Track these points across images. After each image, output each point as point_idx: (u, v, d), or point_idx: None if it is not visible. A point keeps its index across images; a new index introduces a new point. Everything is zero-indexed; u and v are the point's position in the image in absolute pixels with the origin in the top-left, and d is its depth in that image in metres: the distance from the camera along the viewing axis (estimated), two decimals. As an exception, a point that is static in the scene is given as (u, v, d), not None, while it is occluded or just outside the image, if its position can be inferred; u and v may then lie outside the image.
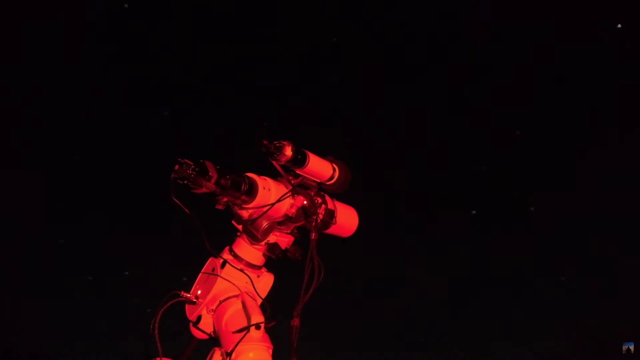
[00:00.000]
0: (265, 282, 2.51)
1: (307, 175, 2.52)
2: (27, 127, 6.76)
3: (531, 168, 7.02)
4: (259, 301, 2.44)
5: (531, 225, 6.99)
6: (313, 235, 2.45)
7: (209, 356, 2.35)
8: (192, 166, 2.23)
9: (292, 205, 2.45)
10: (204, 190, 2.27)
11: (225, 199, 2.36)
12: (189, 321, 2.46)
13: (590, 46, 6.76)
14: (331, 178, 2.59)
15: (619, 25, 6.73)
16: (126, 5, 6.73)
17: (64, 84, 6.66)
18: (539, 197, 6.99)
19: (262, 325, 2.29)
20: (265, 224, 2.39)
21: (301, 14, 6.82)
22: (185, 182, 2.24)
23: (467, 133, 7.06)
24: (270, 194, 2.39)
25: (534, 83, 7.05)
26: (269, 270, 2.53)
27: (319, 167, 2.54)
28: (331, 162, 2.60)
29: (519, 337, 6.74)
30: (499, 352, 6.82)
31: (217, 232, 2.50)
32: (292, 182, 2.48)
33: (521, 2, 6.83)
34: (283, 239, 2.51)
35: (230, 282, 2.43)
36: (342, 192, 2.64)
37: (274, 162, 2.43)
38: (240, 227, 2.47)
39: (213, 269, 2.47)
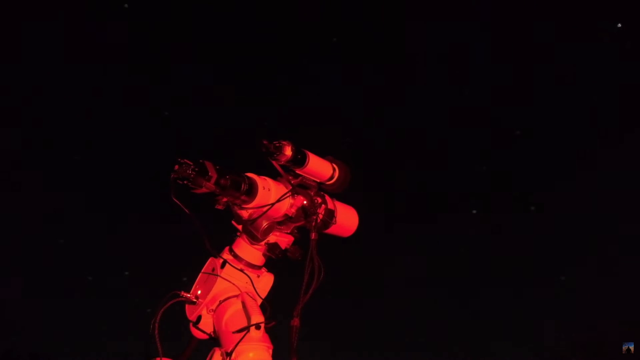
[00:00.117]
0: (265, 282, 2.50)
1: (307, 175, 2.52)
2: (27, 127, 6.76)
3: (531, 168, 7.02)
4: (259, 301, 2.44)
5: (531, 225, 7.00)
6: (313, 235, 2.44)
7: (209, 356, 2.35)
8: (192, 166, 2.23)
9: (292, 205, 2.45)
10: (203, 190, 2.27)
11: (225, 199, 2.35)
12: (189, 321, 2.45)
13: (590, 46, 6.76)
14: (331, 178, 2.58)
15: (619, 25, 6.73)
16: (126, 5, 6.73)
17: (64, 84, 6.66)
18: (539, 197, 7.00)
19: (262, 325, 2.29)
20: (265, 224, 2.39)
21: (301, 14, 6.82)
22: (185, 182, 2.23)
23: (467, 133, 7.06)
24: (270, 194, 2.39)
25: (534, 83, 7.05)
26: (269, 270, 2.53)
27: (319, 167, 2.54)
28: (331, 162, 2.59)
29: (519, 337, 6.74)
30: (499, 352, 6.83)
31: (217, 232, 2.50)
32: (292, 182, 2.48)
33: (521, 2, 6.83)
34: (283, 239, 2.51)
35: (230, 282, 2.42)
36: (342, 192, 2.64)
37: (274, 162, 2.42)
38: (240, 227, 2.47)
39: (213, 269, 2.46)
